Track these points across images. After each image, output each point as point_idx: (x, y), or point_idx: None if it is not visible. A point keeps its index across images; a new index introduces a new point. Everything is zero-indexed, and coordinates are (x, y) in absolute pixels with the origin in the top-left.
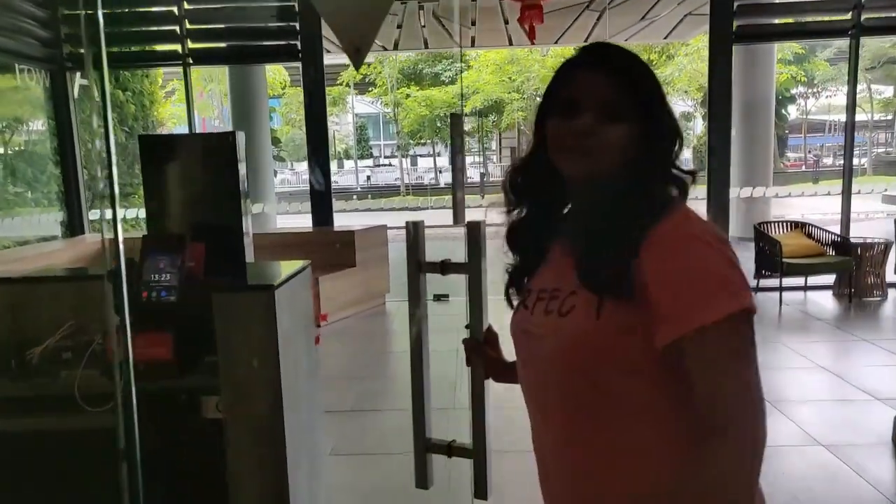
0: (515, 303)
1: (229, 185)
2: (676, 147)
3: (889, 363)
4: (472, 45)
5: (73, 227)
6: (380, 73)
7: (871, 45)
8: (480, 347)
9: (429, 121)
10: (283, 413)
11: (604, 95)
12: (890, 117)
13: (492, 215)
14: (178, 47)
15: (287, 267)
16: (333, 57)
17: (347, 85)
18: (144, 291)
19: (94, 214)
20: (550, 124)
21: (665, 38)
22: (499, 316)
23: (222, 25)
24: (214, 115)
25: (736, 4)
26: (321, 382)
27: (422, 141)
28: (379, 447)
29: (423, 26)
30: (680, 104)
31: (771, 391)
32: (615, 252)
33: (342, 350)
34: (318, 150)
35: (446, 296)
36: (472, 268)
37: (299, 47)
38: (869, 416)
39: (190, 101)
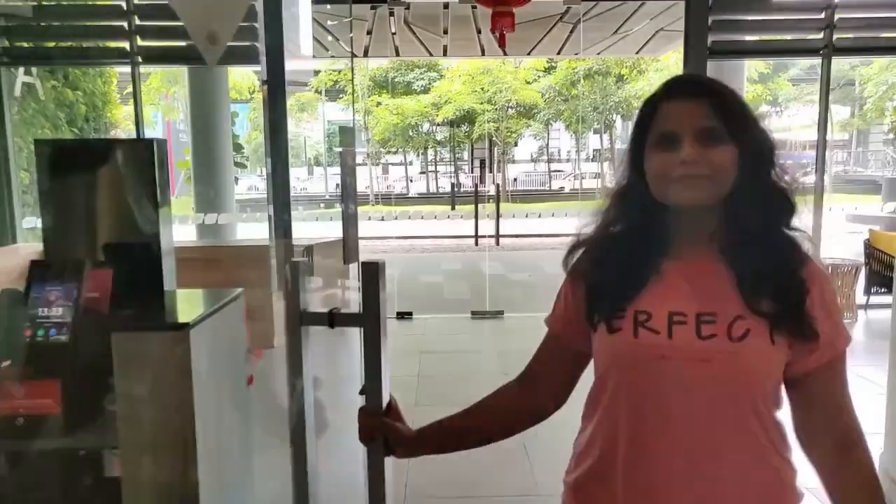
0: (614, 325)
1: (144, 201)
2: (778, 161)
3: (860, 390)
4: (445, 54)
5: (4, 235)
6: (350, 79)
7: (832, 67)
8: (381, 419)
9: (400, 129)
10: (196, 472)
11: (699, 122)
12: (847, 137)
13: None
14: (126, 45)
15: (215, 296)
16: (303, 62)
17: (318, 91)
18: (29, 329)
19: (28, 223)
20: (653, 160)
21: (637, 52)
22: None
23: (178, 23)
24: (180, 119)
25: (711, 19)
26: (264, 416)
27: (392, 149)
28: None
29: (394, 34)
30: None
31: None
32: (789, 286)
33: None
34: (277, 157)
35: (409, 314)
36: (368, 319)
37: (260, 49)
38: None
39: (138, 103)
